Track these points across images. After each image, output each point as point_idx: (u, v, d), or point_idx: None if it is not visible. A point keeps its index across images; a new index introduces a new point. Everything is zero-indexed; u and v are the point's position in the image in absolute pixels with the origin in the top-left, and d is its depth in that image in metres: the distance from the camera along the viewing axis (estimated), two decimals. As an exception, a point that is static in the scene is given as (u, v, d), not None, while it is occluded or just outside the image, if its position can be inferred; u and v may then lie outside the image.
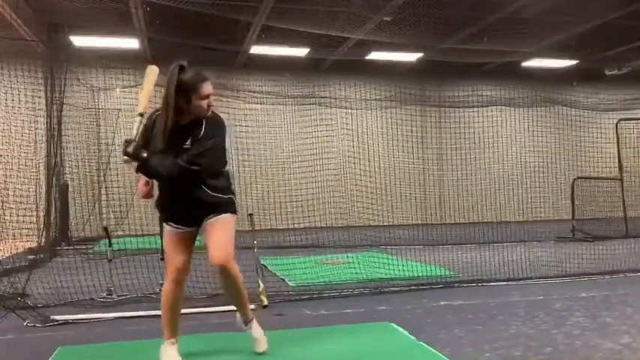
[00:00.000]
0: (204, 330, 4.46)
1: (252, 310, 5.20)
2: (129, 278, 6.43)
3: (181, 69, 3.41)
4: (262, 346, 3.81)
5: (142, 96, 3.53)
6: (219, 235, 3.54)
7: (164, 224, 3.64)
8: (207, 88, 3.46)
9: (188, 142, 3.47)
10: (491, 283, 6.49)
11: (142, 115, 3.45)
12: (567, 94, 16.35)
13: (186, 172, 3.41)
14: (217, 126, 3.56)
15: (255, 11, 11.27)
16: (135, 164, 3.39)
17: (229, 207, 3.63)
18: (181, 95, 3.39)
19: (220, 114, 3.71)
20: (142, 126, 3.46)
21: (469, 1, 11.22)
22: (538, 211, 17.65)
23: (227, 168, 3.71)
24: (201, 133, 3.49)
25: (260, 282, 5.53)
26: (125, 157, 3.35)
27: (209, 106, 3.50)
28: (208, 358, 3.78)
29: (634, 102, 15.68)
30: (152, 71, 3.64)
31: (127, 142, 3.34)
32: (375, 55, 14.85)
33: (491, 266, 7.59)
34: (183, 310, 3.83)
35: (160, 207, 3.65)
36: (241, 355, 3.81)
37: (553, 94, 16.43)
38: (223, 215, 3.58)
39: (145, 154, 3.37)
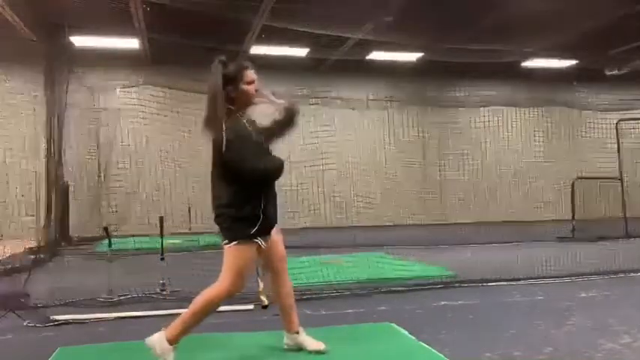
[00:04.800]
0: (203, 330, 4.45)
1: (250, 310, 5.23)
2: (129, 278, 6.42)
3: (223, 64, 3.55)
4: (318, 345, 3.80)
5: None
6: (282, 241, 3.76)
7: (246, 240, 3.47)
8: (251, 73, 3.61)
9: (261, 137, 3.65)
10: (491, 283, 6.48)
11: None
12: (567, 94, 16.36)
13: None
14: None
15: (255, 11, 11.28)
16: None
17: None
18: (230, 84, 3.53)
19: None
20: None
21: (469, 1, 11.22)
22: (538, 211, 17.66)
23: None
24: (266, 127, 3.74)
25: (260, 282, 5.52)
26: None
27: (256, 90, 3.63)
28: (207, 358, 3.77)
29: (634, 102, 15.67)
30: None
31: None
32: (375, 55, 14.86)
33: (491, 266, 7.59)
34: (182, 310, 3.82)
35: (253, 218, 3.47)
36: (241, 355, 3.81)
37: (553, 94, 16.45)
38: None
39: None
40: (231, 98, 3.54)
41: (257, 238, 3.49)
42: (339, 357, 3.77)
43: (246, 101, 3.61)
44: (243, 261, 3.50)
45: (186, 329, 3.49)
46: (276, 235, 3.70)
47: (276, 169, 3.58)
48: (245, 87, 3.57)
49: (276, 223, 3.65)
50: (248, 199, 3.47)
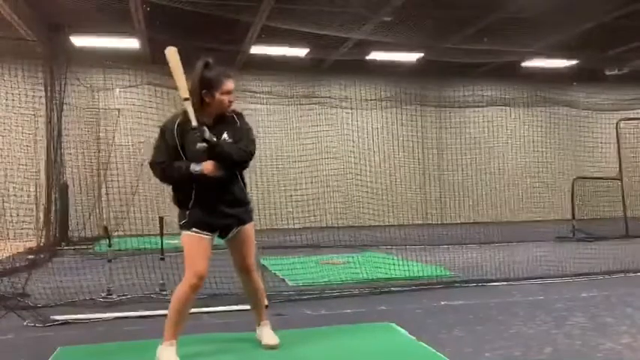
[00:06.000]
0: (203, 330, 4.46)
1: (250, 310, 5.22)
2: (129, 278, 6.43)
3: (206, 65, 3.56)
4: (272, 339, 3.90)
5: (178, 80, 3.57)
6: (251, 244, 3.79)
7: (188, 230, 3.60)
8: (229, 84, 3.60)
9: (224, 135, 3.61)
10: (491, 283, 6.48)
11: (187, 99, 3.52)
12: (567, 94, 16.34)
13: (249, 157, 3.62)
14: (246, 121, 3.76)
15: (255, 11, 11.27)
16: (203, 151, 3.44)
17: (251, 212, 3.82)
18: (206, 89, 3.54)
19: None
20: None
21: (469, 1, 11.22)
22: (538, 211, 17.65)
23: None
24: (238, 124, 3.69)
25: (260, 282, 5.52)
26: (204, 145, 3.41)
27: (230, 102, 3.63)
28: (207, 358, 3.77)
29: (634, 102, 15.67)
30: (171, 52, 3.64)
31: (199, 130, 3.43)
32: (375, 55, 14.85)
33: (491, 266, 7.59)
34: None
35: (193, 211, 3.59)
36: (241, 355, 3.81)
37: (553, 94, 16.43)
38: (251, 223, 3.78)
39: (215, 139, 3.48)
40: (205, 103, 3.57)
41: (191, 229, 3.59)
42: (339, 357, 3.77)
43: (216, 109, 3.62)
44: (187, 249, 3.60)
45: (172, 325, 3.56)
46: (243, 236, 3.73)
47: (156, 170, 3.61)
48: (220, 96, 3.57)
49: (222, 223, 3.64)
50: (178, 192, 3.64)
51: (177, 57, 3.62)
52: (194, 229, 3.58)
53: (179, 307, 3.55)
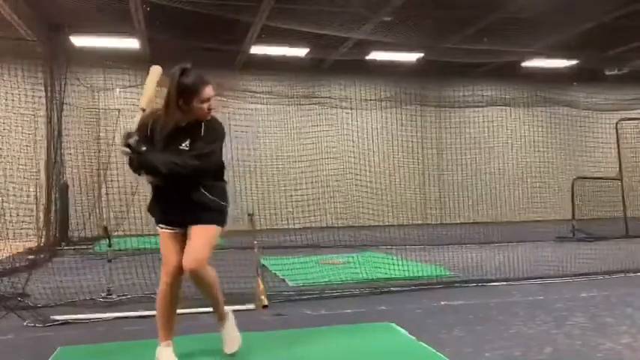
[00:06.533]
0: (200, 330, 4.45)
1: (250, 310, 5.22)
2: (129, 278, 6.43)
3: (183, 72, 3.42)
4: (229, 347, 3.75)
5: (144, 92, 3.61)
6: (197, 241, 3.51)
7: (157, 225, 3.64)
8: (207, 91, 3.46)
9: (186, 142, 3.49)
10: (491, 283, 6.48)
11: (143, 110, 3.52)
12: (567, 94, 16.35)
13: (183, 170, 3.42)
14: (217, 131, 3.59)
15: (255, 11, 11.28)
16: (128, 156, 3.42)
17: (219, 216, 3.62)
18: (182, 98, 3.41)
19: (219, 114, 3.73)
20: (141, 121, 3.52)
21: (469, 1, 11.22)
22: (538, 211, 17.65)
23: (225, 180, 3.75)
24: (201, 134, 3.53)
25: (260, 282, 5.53)
26: (125, 149, 3.37)
27: (209, 109, 3.51)
28: (206, 358, 3.77)
29: (634, 102, 15.67)
30: (154, 70, 3.67)
31: (128, 135, 3.38)
32: (375, 55, 14.85)
33: (491, 266, 7.59)
34: (180, 311, 3.83)
35: (152, 208, 3.66)
36: (241, 356, 3.81)
37: (553, 94, 16.43)
38: (209, 225, 3.56)
39: (144, 148, 3.40)
40: (181, 110, 3.44)
41: (158, 225, 3.61)
42: (339, 357, 3.77)
43: (195, 116, 3.50)
44: (160, 245, 3.62)
45: (161, 326, 3.59)
46: (191, 233, 3.55)
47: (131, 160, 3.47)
48: (197, 105, 3.43)
49: (177, 218, 3.56)
50: (152, 189, 3.66)
51: (157, 78, 3.61)
52: (160, 224, 3.61)
53: (162, 307, 3.57)
